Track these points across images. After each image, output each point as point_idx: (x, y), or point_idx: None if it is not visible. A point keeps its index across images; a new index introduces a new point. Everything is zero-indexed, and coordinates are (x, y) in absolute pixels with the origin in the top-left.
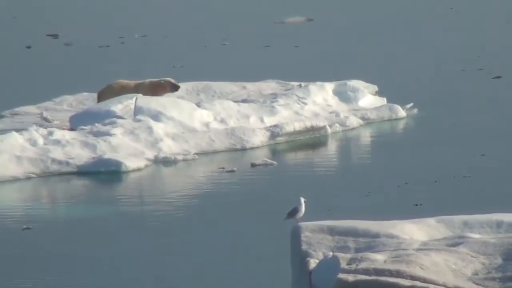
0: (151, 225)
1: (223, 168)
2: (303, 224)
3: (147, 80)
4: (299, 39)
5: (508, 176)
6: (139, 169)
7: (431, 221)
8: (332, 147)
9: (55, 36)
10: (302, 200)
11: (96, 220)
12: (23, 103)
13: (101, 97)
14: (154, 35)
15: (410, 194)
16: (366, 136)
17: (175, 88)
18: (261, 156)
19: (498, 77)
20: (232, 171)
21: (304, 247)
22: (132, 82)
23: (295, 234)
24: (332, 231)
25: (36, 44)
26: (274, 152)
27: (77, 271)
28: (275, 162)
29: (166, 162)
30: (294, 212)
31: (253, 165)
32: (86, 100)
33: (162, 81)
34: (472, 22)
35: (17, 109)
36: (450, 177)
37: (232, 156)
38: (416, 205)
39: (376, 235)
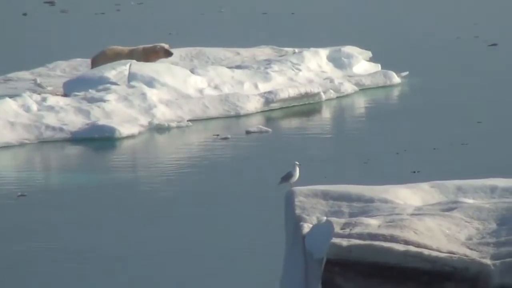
0: (145, 191)
1: (218, 135)
2: (297, 188)
3: (141, 46)
4: (296, 6)
5: (504, 143)
6: (133, 136)
7: (425, 186)
8: (327, 113)
9: (51, 3)
10: (297, 164)
11: (90, 186)
12: (17, 68)
13: (95, 63)
14: (150, 2)
15: (409, 161)
16: (361, 102)
17: (168, 54)
18: (256, 123)
19: (494, 44)
20: (226, 138)
21: (298, 211)
22: (126, 48)
23: (289, 199)
24: (326, 195)
25: (33, 11)
26: (269, 119)
27: (72, 236)
28: (269, 129)
29: (160, 128)
30: (288, 176)
31: (247, 132)
32: (80, 66)
33: (156, 47)
34: None
35: (10, 75)
36: (448, 144)
37: (226, 123)
38: (414, 172)
39: (370, 200)
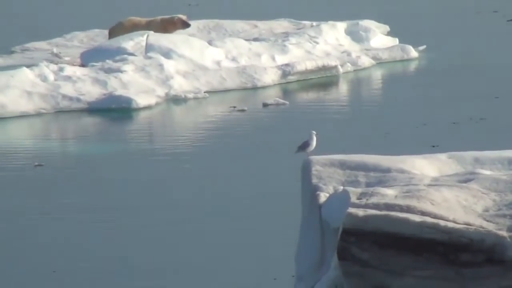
0: (160, 160)
1: (235, 107)
2: (313, 158)
3: (158, 17)
4: None
5: None
6: (149, 107)
7: (442, 157)
8: (344, 87)
9: None
10: (314, 133)
11: (106, 156)
12: (34, 39)
13: (112, 33)
14: None
15: (428, 135)
16: (378, 76)
17: (186, 25)
18: (273, 96)
19: None
20: (243, 110)
21: (314, 180)
22: (143, 19)
23: (306, 168)
24: (343, 165)
25: None
26: (286, 91)
27: (90, 205)
28: (286, 102)
29: (177, 100)
30: (305, 145)
31: (264, 104)
32: (97, 36)
33: (174, 18)
34: None
35: (27, 45)
36: (467, 119)
37: (243, 95)
38: (433, 146)
39: (387, 170)
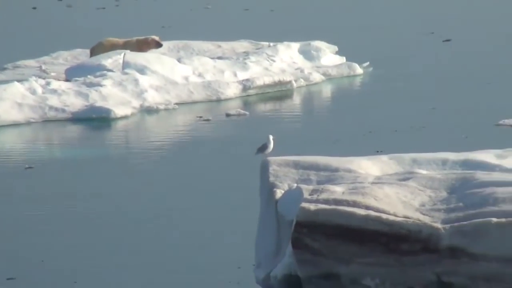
0: (135, 163)
1: (201, 116)
2: (271, 158)
3: (134, 38)
4: (275, 4)
5: (456, 125)
6: (126, 116)
7: (384, 158)
8: (297, 99)
9: None
10: (271, 137)
11: (88, 160)
12: (24, 57)
13: (93, 52)
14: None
15: (373, 142)
16: (327, 90)
17: (158, 45)
18: (235, 107)
19: (448, 40)
20: (208, 120)
21: (271, 179)
22: (120, 40)
23: (264, 167)
24: (296, 165)
25: (42, 5)
26: (246, 103)
27: (75, 204)
28: (247, 112)
29: (150, 110)
30: (263, 147)
31: (227, 114)
32: (80, 55)
33: (148, 39)
34: None
35: (18, 62)
36: (407, 127)
37: (208, 106)
38: (378, 151)
39: (336, 170)
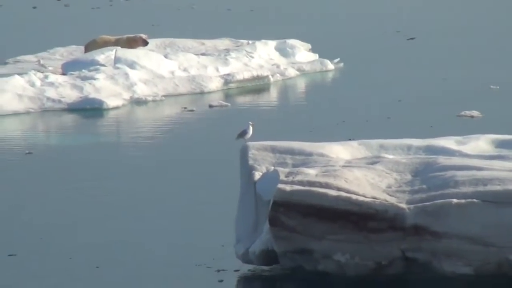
0: (125, 150)
1: (186, 107)
2: (250, 143)
3: (125, 36)
4: (256, 4)
5: (420, 115)
6: (117, 107)
7: (354, 144)
8: (274, 92)
9: None
10: (250, 124)
11: (83, 146)
12: (24, 52)
13: (87, 49)
14: (137, 0)
15: (346, 130)
16: (302, 84)
17: (145, 43)
18: (217, 99)
19: (412, 38)
20: (193, 110)
21: (250, 162)
22: (112, 37)
23: (244, 152)
24: (273, 149)
25: (42, 5)
26: (227, 95)
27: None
28: (228, 104)
29: (139, 102)
30: (243, 133)
31: (210, 106)
32: (75, 51)
33: (137, 37)
34: None
35: (19, 57)
36: (376, 117)
37: (193, 98)
38: (350, 139)
39: (310, 154)
